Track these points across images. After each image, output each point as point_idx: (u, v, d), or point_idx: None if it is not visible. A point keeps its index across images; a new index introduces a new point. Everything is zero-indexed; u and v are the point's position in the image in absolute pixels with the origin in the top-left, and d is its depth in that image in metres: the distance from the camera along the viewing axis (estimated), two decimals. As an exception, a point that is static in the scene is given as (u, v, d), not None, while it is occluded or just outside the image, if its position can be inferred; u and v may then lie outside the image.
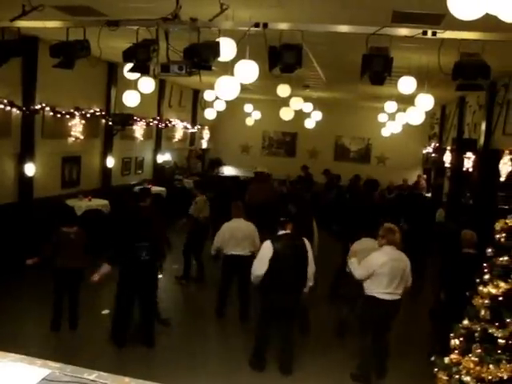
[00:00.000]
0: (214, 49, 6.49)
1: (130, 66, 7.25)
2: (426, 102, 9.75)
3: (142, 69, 7.02)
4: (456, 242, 9.43)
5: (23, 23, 7.21)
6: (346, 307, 9.02)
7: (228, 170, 25.39)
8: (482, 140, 13.90)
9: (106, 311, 9.68)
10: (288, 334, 7.87)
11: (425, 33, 6.22)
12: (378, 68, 6.51)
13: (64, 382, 3.36)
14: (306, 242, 7.75)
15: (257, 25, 6.49)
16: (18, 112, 11.46)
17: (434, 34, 6.21)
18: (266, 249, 7.51)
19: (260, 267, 7.51)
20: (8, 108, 11.12)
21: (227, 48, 6.87)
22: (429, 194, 20.77)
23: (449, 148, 17.82)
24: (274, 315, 7.71)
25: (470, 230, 8.40)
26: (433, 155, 21.47)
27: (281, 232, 7.71)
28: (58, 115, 12.73)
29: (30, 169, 11.84)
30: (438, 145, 20.82)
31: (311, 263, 7.73)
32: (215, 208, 12.88)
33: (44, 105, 12.09)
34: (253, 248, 9.56)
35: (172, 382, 7.09)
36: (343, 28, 6.69)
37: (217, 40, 6.66)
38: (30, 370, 3.50)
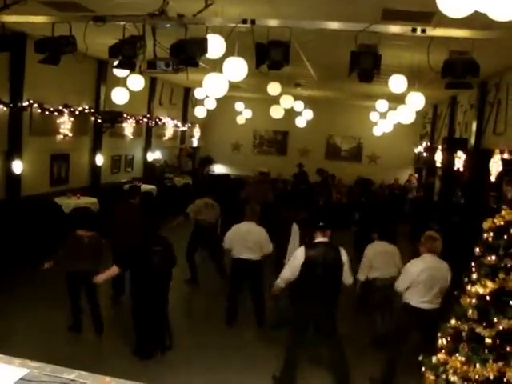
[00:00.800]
0: (202, 45, 6.44)
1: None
2: (416, 101, 9.71)
3: (128, 65, 6.96)
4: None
5: (8, 18, 7.14)
6: (379, 316, 8.76)
7: (219, 169, 25.36)
8: (472, 139, 13.90)
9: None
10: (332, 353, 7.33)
11: (414, 30, 6.21)
12: (366, 65, 6.48)
13: (42, 382, 3.30)
14: (343, 251, 7.23)
15: (244, 21, 6.45)
16: (4, 109, 11.33)
17: (423, 31, 6.21)
18: (299, 255, 7.11)
19: (290, 273, 7.18)
20: (-6, 105, 11.03)
21: (215, 45, 6.83)
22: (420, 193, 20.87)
23: (440, 147, 17.83)
24: (303, 328, 7.26)
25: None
26: (424, 154, 21.49)
27: (318, 239, 7.24)
28: (46, 112, 12.62)
29: (17, 166, 11.72)
30: (429, 144, 20.85)
31: (347, 275, 7.21)
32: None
33: (32, 102, 11.97)
34: (262, 253, 9.18)
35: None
36: (333, 25, 6.66)
37: (204, 36, 6.60)
38: (8, 370, 3.43)
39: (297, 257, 7.12)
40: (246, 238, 9.11)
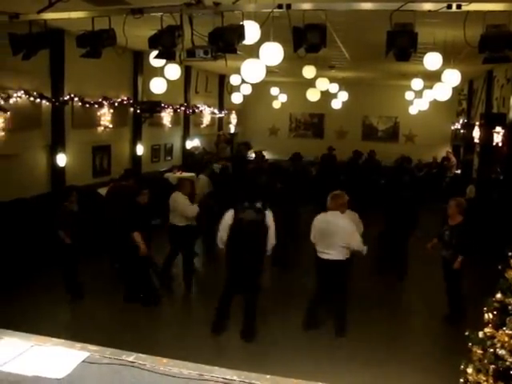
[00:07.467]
0: (239, 32, 6.51)
1: (155, 52, 7.31)
2: (452, 78, 9.63)
3: (167, 55, 7.07)
4: None
5: (49, 15, 7.32)
6: None
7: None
8: (511, 114, 13.71)
9: None
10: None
11: (449, 6, 6.13)
12: (403, 44, 6.45)
13: (103, 364, 3.48)
14: (269, 215, 8.01)
15: (280, 6, 6.47)
16: (47, 104, 11.70)
17: (458, 7, 6.10)
18: (227, 217, 8.03)
19: (221, 233, 8.14)
20: (38, 100, 11.36)
21: (251, 31, 6.88)
22: (458, 171, 20.72)
23: (477, 123, 17.61)
24: (232, 281, 8.26)
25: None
26: (461, 131, 21.26)
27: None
28: (87, 105, 12.93)
29: (61, 159, 12.08)
30: (466, 121, 20.62)
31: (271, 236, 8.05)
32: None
33: (73, 95, 12.31)
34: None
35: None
36: (366, 5, 6.63)
37: (241, 23, 6.67)
38: (70, 354, 3.62)
39: (225, 218, 8.06)
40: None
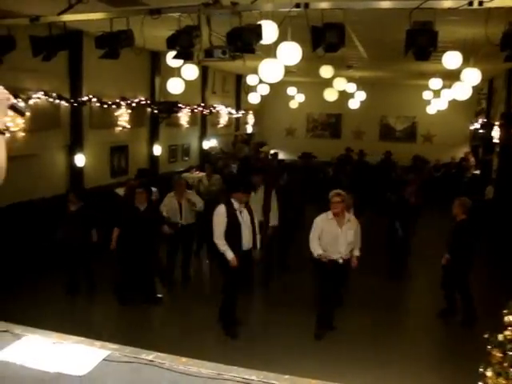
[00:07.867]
0: (257, 32, 6.51)
1: (173, 53, 7.34)
2: (472, 77, 9.51)
3: (185, 55, 7.11)
4: None
5: (69, 17, 7.37)
6: None
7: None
8: (532, 114, 13.57)
9: None
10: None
11: (470, 3, 6.04)
12: (422, 43, 6.40)
13: (123, 363, 3.50)
14: (217, 209, 8.19)
15: (298, 5, 6.46)
16: (66, 104, 11.79)
17: (480, 3, 6.01)
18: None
19: None
20: (57, 101, 11.45)
21: (269, 30, 6.87)
22: (477, 171, 20.56)
23: (497, 123, 17.42)
24: None
25: None
26: (480, 131, 21.06)
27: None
28: (105, 106, 13.00)
29: (79, 160, 12.14)
30: (485, 120, 20.42)
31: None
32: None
33: (91, 96, 12.38)
34: None
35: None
36: (385, 4, 6.57)
37: (258, 23, 6.66)
38: (91, 351, 3.65)
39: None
40: None
